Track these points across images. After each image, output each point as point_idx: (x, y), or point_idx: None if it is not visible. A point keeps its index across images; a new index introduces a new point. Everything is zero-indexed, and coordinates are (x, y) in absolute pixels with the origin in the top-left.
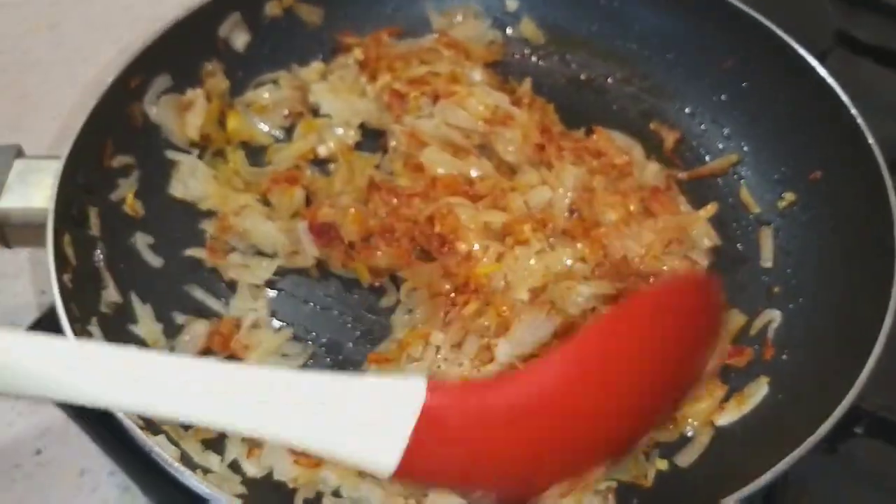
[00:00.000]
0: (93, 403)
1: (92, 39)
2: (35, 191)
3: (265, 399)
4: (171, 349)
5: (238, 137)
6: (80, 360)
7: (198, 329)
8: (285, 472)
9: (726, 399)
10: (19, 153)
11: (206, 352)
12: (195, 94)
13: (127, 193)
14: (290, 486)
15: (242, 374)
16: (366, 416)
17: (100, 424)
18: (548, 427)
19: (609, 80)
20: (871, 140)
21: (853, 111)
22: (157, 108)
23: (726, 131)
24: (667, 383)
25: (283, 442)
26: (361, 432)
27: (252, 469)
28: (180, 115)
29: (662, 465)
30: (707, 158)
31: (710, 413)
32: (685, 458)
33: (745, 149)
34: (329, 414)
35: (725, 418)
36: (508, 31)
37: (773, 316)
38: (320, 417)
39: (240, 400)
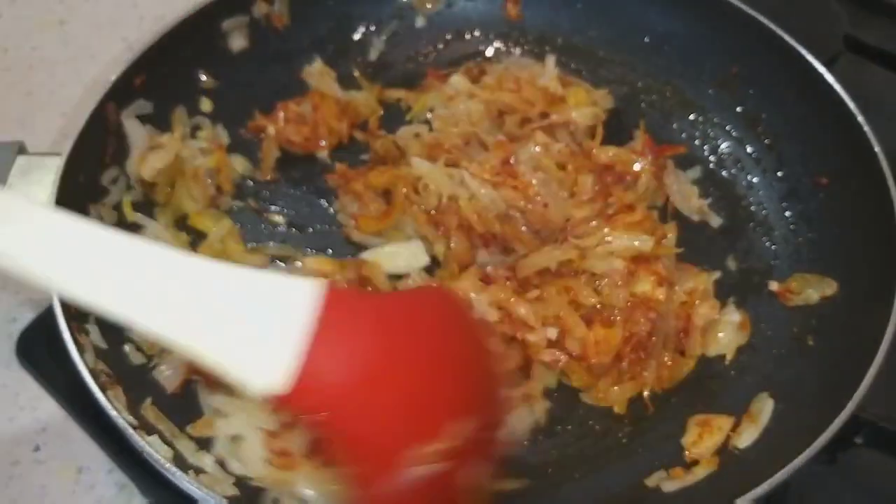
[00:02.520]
0: None
1: (99, 37)
2: (36, 188)
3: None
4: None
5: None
6: None
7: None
8: (256, 470)
9: (737, 424)
10: (21, 149)
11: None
12: (168, 140)
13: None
14: (258, 484)
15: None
16: (253, 312)
17: (98, 422)
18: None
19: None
20: (877, 148)
21: (860, 118)
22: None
23: (734, 135)
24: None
25: (156, 333)
26: (247, 331)
27: (238, 468)
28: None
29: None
30: (712, 160)
31: (717, 447)
32: (671, 486)
33: (752, 154)
34: (209, 304)
35: (744, 440)
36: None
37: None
38: (199, 306)
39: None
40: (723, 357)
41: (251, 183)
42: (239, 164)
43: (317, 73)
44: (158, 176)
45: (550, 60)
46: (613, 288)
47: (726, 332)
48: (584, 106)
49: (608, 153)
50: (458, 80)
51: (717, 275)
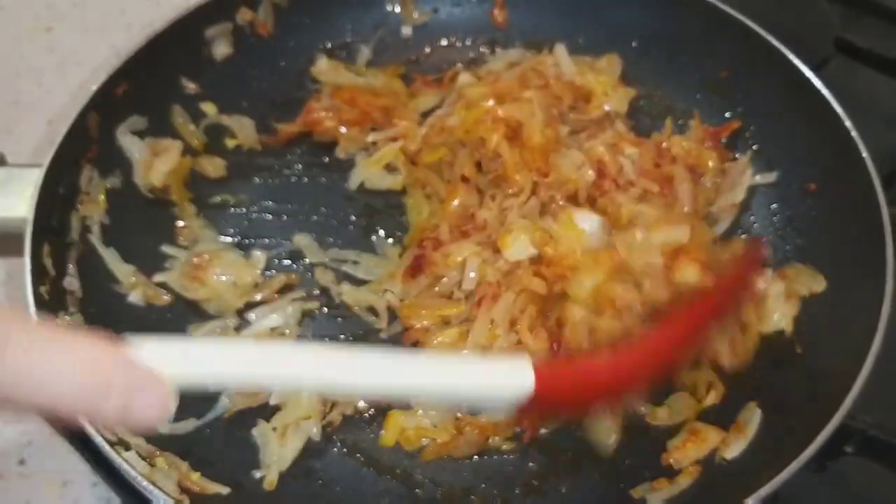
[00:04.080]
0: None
1: (86, 44)
2: (16, 200)
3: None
4: None
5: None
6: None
7: None
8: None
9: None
10: (1, 161)
11: None
12: (171, 144)
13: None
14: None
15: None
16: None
17: (82, 436)
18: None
19: None
20: (864, 154)
21: (847, 123)
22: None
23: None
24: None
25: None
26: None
27: None
28: (150, 158)
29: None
30: None
31: (698, 458)
32: (657, 497)
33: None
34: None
35: (732, 451)
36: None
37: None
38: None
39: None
40: (781, 332)
41: None
42: None
43: (326, 69)
44: (168, 178)
45: (560, 49)
46: (656, 282)
47: (777, 304)
48: (611, 90)
49: (681, 145)
50: (466, 79)
51: None
